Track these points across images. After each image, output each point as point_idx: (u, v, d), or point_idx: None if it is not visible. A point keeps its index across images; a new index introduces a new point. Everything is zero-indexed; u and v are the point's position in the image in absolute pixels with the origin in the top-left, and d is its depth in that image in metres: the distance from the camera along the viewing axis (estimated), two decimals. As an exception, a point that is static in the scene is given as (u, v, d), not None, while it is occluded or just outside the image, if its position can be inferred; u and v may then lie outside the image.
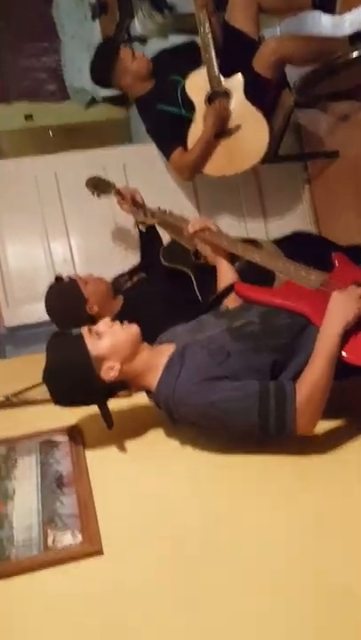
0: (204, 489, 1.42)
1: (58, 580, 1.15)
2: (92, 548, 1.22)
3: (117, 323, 1.56)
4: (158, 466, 1.54)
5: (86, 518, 1.31)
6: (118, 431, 1.68)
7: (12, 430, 1.73)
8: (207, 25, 2.36)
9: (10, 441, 1.67)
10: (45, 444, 1.65)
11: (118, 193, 2.41)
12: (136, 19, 3.48)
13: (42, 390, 1.95)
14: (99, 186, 2.50)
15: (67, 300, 2.17)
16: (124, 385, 1.55)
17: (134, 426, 1.70)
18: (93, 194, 2.51)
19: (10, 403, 1.97)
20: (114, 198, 2.45)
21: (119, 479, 1.50)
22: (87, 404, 1.57)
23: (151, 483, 1.47)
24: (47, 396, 1.91)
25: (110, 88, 2.81)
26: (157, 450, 1.60)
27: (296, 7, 2.71)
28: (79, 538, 1.25)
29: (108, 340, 1.51)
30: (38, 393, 1.96)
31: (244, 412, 1.38)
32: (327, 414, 1.42)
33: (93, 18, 3.96)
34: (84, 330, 1.54)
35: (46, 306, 2.21)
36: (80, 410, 1.75)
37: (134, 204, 2.37)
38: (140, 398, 1.80)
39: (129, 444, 1.63)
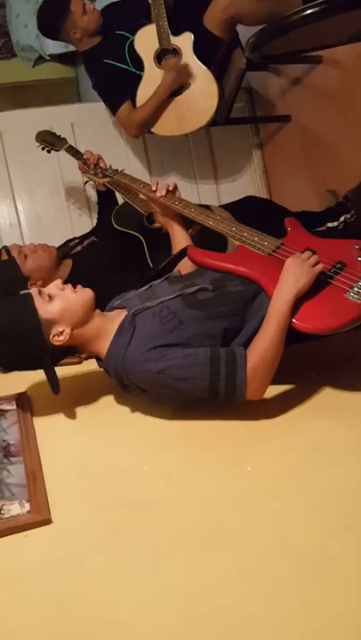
0: (154, 456, 1.41)
1: (6, 551, 1.13)
2: (40, 517, 1.20)
3: (69, 286, 1.51)
4: (108, 434, 1.52)
5: (34, 488, 1.28)
6: (67, 399, 1.65)
7: None
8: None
9: None
10: (-8, 413, 1.61)
11: (71, 149, 2.33)
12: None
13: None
14: (49, 140, 2.41)
15: (6, 284, 2.08)
16: (72, 350, 1.52)
17: (84, 393, 1.68)
18: (43, 149, 2.42)
19: None
20: (63, 157, 2.36)
21: (68, 448, 1.48)
22: (33, 368, 1.52)
23: (101, 451, 1.45)
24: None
25: (57, 40, 2.68)
26: (107, 417, 1.58)
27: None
28: (27, 507, 1.23)
29: (59, 303, 1.47)
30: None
31: (195, 378, 1.37)
32: (277, 380, 1.43)
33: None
34: (34, 291, 1.48)
35: None
36: (28, 377, 1.71)
37: (85, 162, 2.29)
38: (90, 365, 1.78)
39: (78, 411, 1.60)
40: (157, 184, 1.80)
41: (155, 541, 1.13)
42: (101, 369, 1.57)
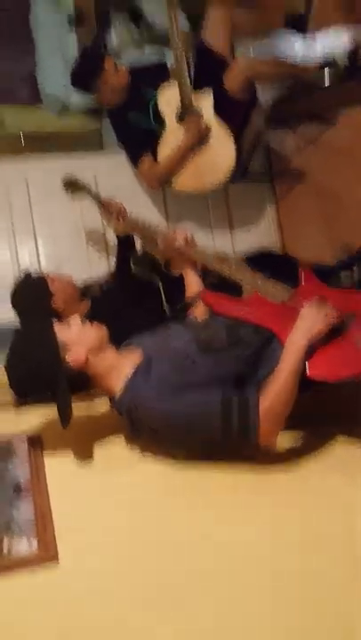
0: (163, 499, 1.41)
1: (12, 587, 1.13)
2: (47, 555, 1.21)
3: (87, 321, 1.56)
4: (117, 475, 1.52)
5: (43, 526, 1.29)
6: (78, 439, 1.67)
7: (-31, 435, 1.69)
8: (182, 42, 2.41)
9: (-33, 446, 1.63)
10: (4, 450, 1.62)
11: (95, 196, 2.42)
12: (113, 31, 3.52)
13: (1, 394, 1.93)
14: (74, 185, 2.50)
15: (32, 292, 2.17)
16: (85, 383, 1.54)
17: (95, 435, 1.68)
18: (67, 192, 2.52)
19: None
20: (85, 205, 2.45)
21: (77, 487, 1.49)
22: (47, 392, 1.51)
23: (109, 491, 1.46)
24: (6, 399, 1.90)
25: (85, 93, 2.82)
26: (117, 458, 1.59)
27: (269, 27, 2.79)
28: (35, 544, 1.23)
29: (77, 330, 1.53)
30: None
31: (207, 421, 1.39)
32: (289, 426, 1.44)
33: (70, 28, 3.97)
34: (54, 320, 1.55)
35: (12, 298, 2.19)
36: (40, 417, 1.73)
37: (107, 208, 2.38)
38: (101, 405, 1.80)
39: (88, 452, 1.61)
40: (175, 232, 1.87)
41: (159, 587, 1.12)
42: (113, 410, 1.58)
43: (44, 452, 1.61)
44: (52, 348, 1.48)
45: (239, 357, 1.49)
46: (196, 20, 2.67)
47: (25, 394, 1.54)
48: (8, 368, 1.52)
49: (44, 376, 1.48)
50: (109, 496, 1.44)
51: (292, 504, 1.35)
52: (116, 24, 3.46)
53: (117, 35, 3.47)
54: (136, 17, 3.36)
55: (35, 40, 4.47)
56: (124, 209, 2.40)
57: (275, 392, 1.39)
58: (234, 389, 1.44)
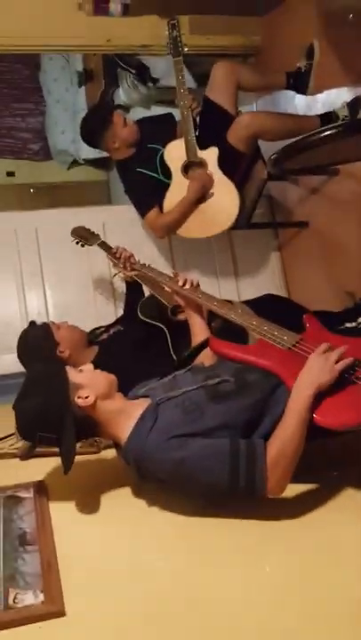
0: (171, 550, 1.39)
1: (17, 642, 1.10)
2: (54, 608, 1.18)
3: (98, 370, 1.59)
4: (125, 525, 1.50)
5: (49, 578, 1.26)
6: (84, 489, 1.65)
7: (-25, 484, 1.68)
8: (187, 100, 2.52)
9: (-27, 495, 1.62)
10: (9, 500, 1.60)
11: (103, 245, 2.48)
12: (120, 88, 3.67)
13: (9, 444, 1.93)
14: (83, 235, 2.57)
15: (37, 342, 2.19)
16: (93, 427, 1.53)
17: (102, 484, 1.66)
18: (78, 243, 2.58)
19: (-25, 455, 1.92)
20: (93, 254, 2.51)
21: (84, 538, 1.46)
22: (53, 433, 1.49)
23: (117, 543, 1.43)
24: (13, 449, 1.90)
25: (95, 148, 2.91)
26: (124, 509, 1.57)
27: (272, 87, 2.91)
28: (41, 598, 1.21)
29: (88, 374, 1.56)
30: (5, 447, 1.92)
31: (214, 470, 1.38)
32: (297, 476, 1.42)
33: (79, 85, 4.15)
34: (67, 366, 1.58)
35: (17, 348, 2.21)
36: (46, 465, 1.72)
37: (115, 256, 2.43)
38: (108, 454, 1.79)
39: (95, 502, 1.59)
40: (182, 277, 1.91)
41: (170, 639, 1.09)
42: (120, 458, 1.57)
43: (50, 501, 1.59)
44: (62, 389, 1.49)
45: (247, 405, 1.49)
46: (201, 78, 2.78)
47: (31, 435, 1.53)
48: (16, 407, 1.53)
49: (52, 416, 1.48)
50: (117, 547, 1.41)
51: (297, 552, 1.32)
52: (123, 82, 3.60)
53: (125, 93, 3.61)
54: (144, 76, 3.50)
55: (45, 98, 4.66)
56: (132, 255, 2.46)
57: (282, 441, 1.38)
58: (241, 437, 1.43)
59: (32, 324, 2.30)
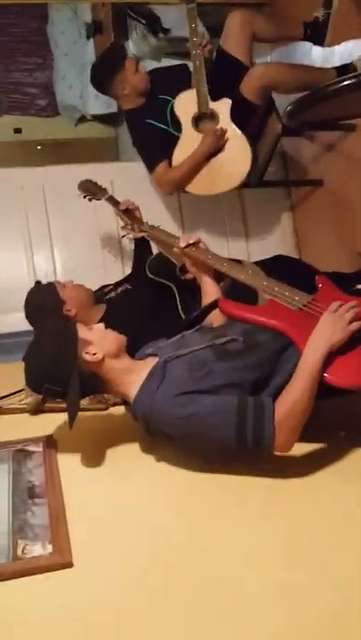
0: (179, 503, 1.40)
1: (26, 591, 1.12)
2: (61, 559, 1.20)
3: (109, 329, 1.59)
4: (133, 479, 1.52)
5: (57, 530, 1.28)
6: (93, 444, 1.67)
7: (-15, 438, 1.69)
8: (199, 49, 2.42)
9: (-18, 448, 1.63)
10: (19, 453, 1.62)
11: (111, 199, 2.43)
12: (130, 40, 3.54)
13: (18, 399, 1.94)
14: (91, 189, 2.52)
15: (43, 301, 2.17)
16: (99, 384, 1.54)
17: (110, 439, 1.68)
18: (85, 197, 2.53)
19: (-16, 411, 1.93)
20: (100, 210, 2.46)
21: (92, 492, 1.48)
22: (59, 385, 1.50)
23: (125, 496, 1.45)
24: (22, 405, 1.91)
25: (104, 94, 2.83)
26: (132, 463, 1.58)
27: (288, 37, 2.80)
28: (49, 549, 1.23)
29: (97, 332, 1.57)
30: (14, 402, 1.93)
31: (222, 425, 1.37)
32: (305, 434, 1.42)
33: (88, 37, 4.01)
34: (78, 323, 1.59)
35: (24, 308, 2.20)
36: (55, 420, 1.73)
37: (126, 213, 2.39)
38: (117, 410, 1.80)
39: (104, 456, 1.60)
40: (185, 237, 1.87)
41: (174, 592, 1.11)
42: (129, 414, 1.58)
43: (59, 455, 1.61)
44: (71, 343, 1.50)
45: (256, 363, 1.48)
46: (214, 29, 2.68)
47: (38, 386, 1.53)
48: (26, 358, 1.55)
49: (59, 369, 1.49)
50: (125, 500, 1.43)
51: (302, 513, 1.33)
52: (133, 33, 3.48)
53: (135, 44, 3.49)
54: (154, 26, 3.38)
55: (52, 51, 4.53)
56: (139, 211, 2.41)
57: (291, 400, 1.37)
58: (249, 395, 1.43)
59: (37, 283, 2.28)
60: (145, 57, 3.48)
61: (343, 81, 1.52)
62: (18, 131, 4.61)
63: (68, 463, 1.58)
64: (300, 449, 1.47)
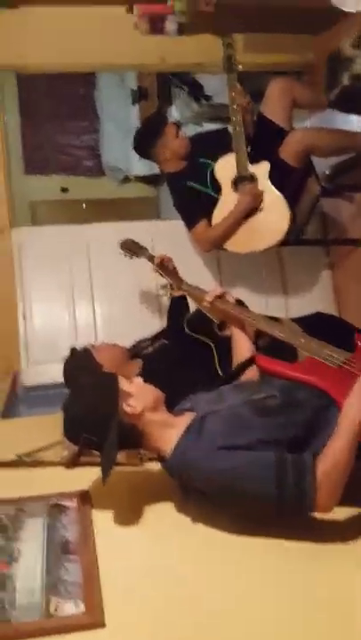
0: (212, 567, 1.37)
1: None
2: (93, 619, 1.17)
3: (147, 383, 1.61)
4: (167, 539, 1.49)
5: (90, 588, 1.26)
6: (128, 500, 1.65)
7: (21, 491, 1.70)
8: (240, 116, 2.53)
9: (19, 501, 1.63)
10: (54, 508, 1.62)
11: (151, 258, 2.50)
12: (174, 105, 3.72)
13: (54, 452, 1.95)
14: (132, 248, 2.60)
15: (80, 367, 2.19)
16: (137, 439, 1.53)
17: (145, 496, 1.66)
18: (126, 255, 2.61)
19: (21, 462, 1.94)
20: (140, 267, 2.53)
21: (126, 550, 1.46)
22: (97, 436, 1.50)
23: (158, 556, 1.42)
24: (59, 458, 1.92)
25: (146, 158, 2.95)
26: (167, 522, 1.55)
27: (326, 104, 2.89)
28: (81, 607, 1.20)
29: (137, 385, 1.57)
30: (51, 454, 1.95)
31: (261, 481, 1.35)
32: (344, 497, 1.38)
33: (133, 102, 4.23)
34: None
35: (64, 376, 2.23)
36: (91, 474, 1.73)
37: (164, 271, 2.44)
38: (153, 466, 1.78)
39: (138, 514, 1.58)
40: (214, 292, 1.90)
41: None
42: (164, 471, 1.57)
43: (94, 511, 1.60)
44: (112, 393, 1.51)
45: (295, 421, 1.46)
46: (254, 95, 2.80)
47: (76, 435, 1.55)
48: (65, 406, 1.57)
49: (98, 418, 1.49)
50: (158, 560, 1.40)
51: (339, 581, 1.28)
52: (176, 100, 3.66)
53: (178, 110, 3.66)
54: (197, 93, 3.55)
55: (99, 115, 4.78)
56: (175, 266, 2.45)
57: (332, 458, 1.34)
58: (288, 453, 1.40)
59: (73, 351, 2.30)
60: (187, 122, 3.64)
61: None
62: (65, 190, 4.82)
63: (103, 519, 1.56)
64: (337, 512, 1.43)
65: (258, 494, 1.37)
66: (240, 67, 2.60)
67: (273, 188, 2.56)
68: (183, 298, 2.48)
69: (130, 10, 3.07)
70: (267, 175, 2.56)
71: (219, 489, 1.42)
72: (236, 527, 1.46)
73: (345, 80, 1.57)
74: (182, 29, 3.13)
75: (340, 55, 1.70)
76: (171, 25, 3.12)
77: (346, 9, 1.90)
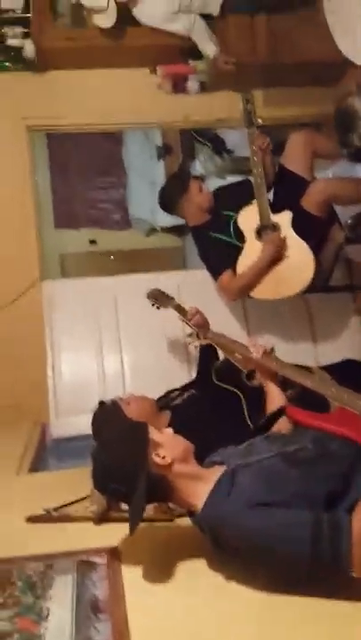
0: (246, 625, 1.32)
1: None
2: None
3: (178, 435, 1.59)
4: (198, 597, 1.44)
5: (121, 649, 1.23)
6: (158, 556, 1.62)
7: (50, 546, 1.68)
8: (261, 167, 2.60)
9: (48, 557, 1.62)
10: (83, 565, 1.59)
11: (178, 307, 2.52)
12: (197, 160, 3.83)
13: (83, 507, 1.93)
14: (159, 298, 2.63)
15: (110, 420, 2.19)
16: (166, 491, 1.50)
17: (175, 552, 1.62)
18: (153, 305, 2.64)
19: (51, 517, 1.93)
20: (168, 317, 2.55)
21: (156, 608, 1.42)
22: (126, 486, 1.47)
23: (189, 614, 1.38)
24: (88, 513, 1.90)
25: (171, 214, 3.02)
26: (198, 580, 1.51)
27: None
28: (112, 671, 1.17)
29: (167, 435, 1.56)
30: (80, 509, 1.93)
31: (296, 542, 1.31)
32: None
33: (158, 158, 4.36)
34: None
35: (92, 430, 2.23)
36: (120, 530, 1.70)
37: (191, 321, 2.46)
38: (183, 521, 1.75)
39: (169, 571, 1.54)
40: (255, 345, 1.89)
41: None
42: (195, 526, 1.54)
43: (124, 568, 1.57)
44: (142, 443, 1.49)
45: (329, 473, 1.43)
46: (275, 147, 2.87)
47: (104, 485, 1.53)
48: (94, 455, 1.55)
49: (127, 468, 1.47)
50: (189, 620, 1.36)
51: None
52: (200, 155, 3.76)
53: (201, 165, 3.75)
54: (219, 148, 3.65)
55: (126, 171, 4.93)
56: (206, 321, 2.47)
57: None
58: (324, 510, 1.36)
59: (101, 404, 2.29)
60: (211, 175, 3.73)
61: None
62: (93, 242, 4.94)
63: (133, 577, 1.53)
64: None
65: (292, 554, 1.33)
66: (260, 121, 2.68)
67: (296, 236, 2.60)
68: (212, 346, 2.48)
69: (153, 71, 3.22)
70: (290, 224, 2.60)
71: (251, 546, 1.38)
72: (272, 586, 1.41)
73: (356, 141, 1.60)
74: (204, 87, 3.27)
75: (348, 109, 1.73)
76: (193, 84, 3.26)
77: (356, 61, 1.96)
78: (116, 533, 1.70)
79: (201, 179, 3.71)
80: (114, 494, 1.53)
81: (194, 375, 2.72)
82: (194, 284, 3.11)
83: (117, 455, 1.51)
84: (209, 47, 3.04)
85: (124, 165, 4.97)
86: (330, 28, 2.06)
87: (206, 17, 3.04)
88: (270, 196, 2.69)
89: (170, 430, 1.61)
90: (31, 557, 1.62)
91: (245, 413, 2.16)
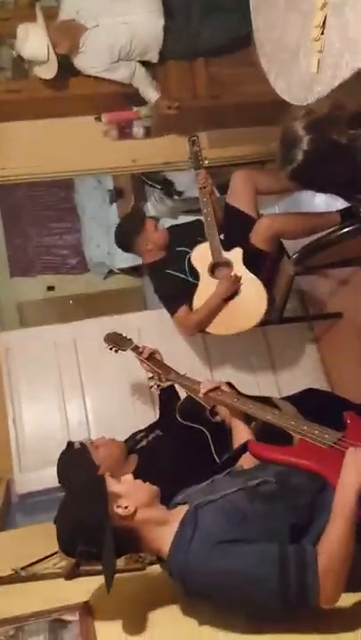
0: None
1: None
2: None
3: (139, 480, 1.56)
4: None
5: None
6: (131, 607, 1.58)
7: (20, 607, 1.62)
8: (210, 207, 2.68)
9: (18, 620, 1.56)
10: (55, 624, 1.54)
11: (136, 349, 2.53)
12: (149, 202, 3.90)
13: (52, 564, 1.88)
14: (117, 341, 2.62)
15: (76, 465, 2.16)
16: (134, 541, 1.47)
17: (148, 601, 1.58)
18: (112, 349, 2.63)
19: (19, 577, 1.87)
20: (128, 360, 2.55)
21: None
22: (92, 546, 1.44)
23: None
24: (57, 569, 1.85)
25: (129, 252, 3.06)
26: (173, 628, 1.48)
27: (289, 189, 3.04)
28: None
29: (128, 484, 1.53)
30: (49, 566, 1.88)
31: (263, 578, 1.30)
32: (351, 584, 1.33)
33: (111, 202, 4.43)
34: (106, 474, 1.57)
35: (57, 474, 2.19)
36: (90, 585, 1.66)
37: (151, 361, 2.46)
38: (154, 569, 1.72)
39: (143, 621, 1.50)
40: (203, 383, 1.91)
41: None
42: (165, 572, 1.51)
43: (97, 623, 1.52)
44: (101, 500, 1.45)
45: (292, 506, 1.43)
46: (224, 187, 2.95)
47: (72, 549, 1.49)
48: (57, 521, 1.51)
49: (91, 529, 1.44)
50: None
51: None
52: (151, 197, 3.84)
53: (153, 206, 3.83)
54: (169, 190, 3.73)
55: (80, 215, 4.98)
56: (159, 353, 2.48)
57: (331, 546, 1.31)
58: (289, 544, 1.36)
59: (69, 445, 2.26)
60: (163, 216, 3.80)
61: (343, 228, 1.63)
62: (51, 288, 4.95)
63: (107, 631, 1.49)
64: (344, 600, 1.37)
65: (261, 593, 1.32)
66: (206, 162, 2.76)
67: (248, 271, 2.66)
68: (172, 387, 2.48)
69: (98, 118, 3.29)
70: (241, 260, 2.67)
71: (220, 589, 1.36)
72: (247, 629, 1.40)
73: (299, 156, 1.67)
74: (149, 132, 3.35)
75: (290, 133, 1.82)
76: (138, 129, 3.34)
77: (292, 101, 2.04)
78: (87, 588, 1.66)
79: (155, 219, 3.80)
80: (82, 555, 1.49)
81: (158, 415, 2.71)
82: (154, 325, 3.13)
83: (78, 516, 1.48)
84: (151, 93, 3.14)
85: (77, 211, 5.03)
86: (265, 71, 2.15)
87: (146, 64, 3.14)
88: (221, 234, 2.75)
89: (130, 477, 1.57)
90: (1, 621, 1.56)
91: (213, 450, 2.16)
